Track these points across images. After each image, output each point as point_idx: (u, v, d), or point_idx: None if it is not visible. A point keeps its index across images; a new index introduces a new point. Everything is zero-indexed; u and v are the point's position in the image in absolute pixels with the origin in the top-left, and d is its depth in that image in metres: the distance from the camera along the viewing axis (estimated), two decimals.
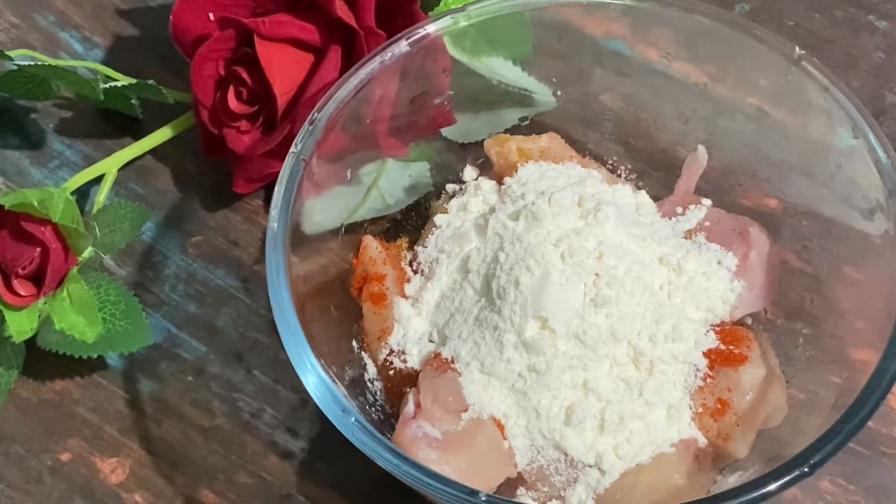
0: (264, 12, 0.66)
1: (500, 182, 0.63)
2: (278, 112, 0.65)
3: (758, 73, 0.61)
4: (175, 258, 0.69)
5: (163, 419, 0.64)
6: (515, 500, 0.56)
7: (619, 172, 0.67)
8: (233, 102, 0.66)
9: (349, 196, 0.63)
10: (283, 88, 0.64)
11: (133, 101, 0.72)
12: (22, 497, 0.62)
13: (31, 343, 0.63)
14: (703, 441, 0.57)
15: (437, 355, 0.58)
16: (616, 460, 0.55)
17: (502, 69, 0.66)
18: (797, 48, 0.59)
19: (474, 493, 0.49)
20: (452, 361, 0.58)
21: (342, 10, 0.64)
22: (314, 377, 0.52)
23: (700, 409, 0.57)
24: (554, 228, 0.57)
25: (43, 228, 0.61)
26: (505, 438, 0.56)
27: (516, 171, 0.62)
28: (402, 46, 0.61)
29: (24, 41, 0.77)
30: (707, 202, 0.63)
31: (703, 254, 0.60)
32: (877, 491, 0.61)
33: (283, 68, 0.65)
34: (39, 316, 0.62)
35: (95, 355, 0.63)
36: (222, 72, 0.67)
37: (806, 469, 0.49)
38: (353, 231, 0.63)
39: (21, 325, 0.61)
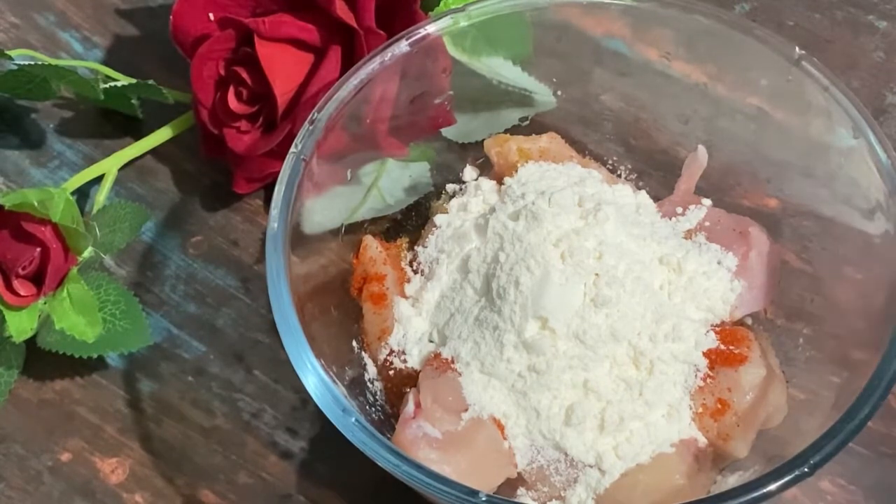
0: (264, 12, 0.66)
1: (500, 182, 0.63)
2: (278, 112, 0.65)
3: (758, 73, 0.61)
4: (175, 258, 0.69)
5: (163, 419, 0.64)
6: (515, 500, 0.56)
7: (619, 172, 0.67)
8: (233, 102, 0.66)
9: (349, 196, 0.63)
10: (283, 88, 0.64)
11: (133, 101, 0.72)
12: (22, 497, 0.62)
13: (31, 343, 0.63)
14: (703, 441, 0.57)
15: (437, 355, 0.58)
16: (616, 460, 0.55)
17: (502, 69, 0.66)
18: (797, 48, 0.59)
19: (474, 493, 0.49)
20: (452, 361, 0.58)
21: (342, 10, 0.64)
22: (314, 377, 0.52)
23: (700, 409, 0.57)
24: (554, 228, 0.57)
25: (43, 228, 0.61)
26: (505, 438, 0.56)
27: (516, 171, 0.62)
28: (402, 46, 0.61)
29: (24, 41, 0.77)
30: (707, 202, 0.63)
31: (703, 254, 0.60)
32: (877, 491, 0.61)
33: (283, 68, 0.65)
34: (39, 316, 0.62)
35: (95, 355, 0.63)
36: (222, 72, 0.67)
37: (806, 469, 0.49)
38: (353, 231, 0.63)
39: (21, 325, 0.61)
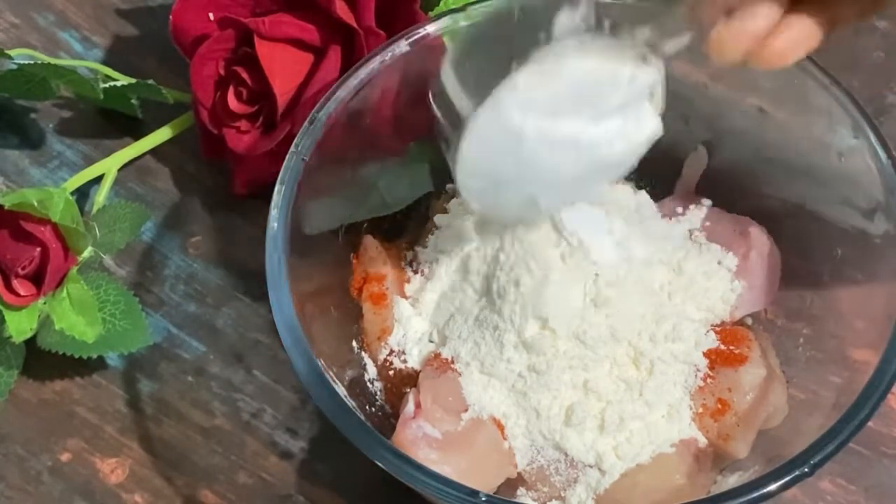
0: (264, 12, 0.66)
1: None
2: (278, 112, 0.65)
3: (758, 73, 0.61)
4: (175, 258, 0.69)
5: (163, 419, 0.64)
6: (515, 500, 0.56)
7: None
8: (233, 102, 0.66)
9: (349, 196, 0.63)
10: (283, 88, 0.64)
11: (133, 101, 0.72)
12: (22, 497, 0.62)
13: (31, 343, 0.63)
14: (703, 441, 0.57)
15: (437, 355, 0.58)
16: (616, 460, 0.55)
17: None
18: None
19: (474, 493, 0.49)
20: (452, 361, 0.58)
21: (342, 10, 0.64)
22: (314, 377, 0.52)
23: (700, 410, 0.57)
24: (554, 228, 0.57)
25: (43, 228, 0.61)
26: (505, 438, 0.56)
27: None
28: (402, 46, 0.61)
29: (24, 41, 0.77)
30: (707, 202, 0.63)
31: (704, 254, 0.60)
32: (877, 491, 0.61)
33: (283, 68, 0.65)
34: (39, 316, 0.62)
35: (95, 355, 0.63)
36: (222, 72, 0.67)
37: (806, 469, 0.49)
38: (353, 231, 0.63)
39: (21, 325, 0.61)
